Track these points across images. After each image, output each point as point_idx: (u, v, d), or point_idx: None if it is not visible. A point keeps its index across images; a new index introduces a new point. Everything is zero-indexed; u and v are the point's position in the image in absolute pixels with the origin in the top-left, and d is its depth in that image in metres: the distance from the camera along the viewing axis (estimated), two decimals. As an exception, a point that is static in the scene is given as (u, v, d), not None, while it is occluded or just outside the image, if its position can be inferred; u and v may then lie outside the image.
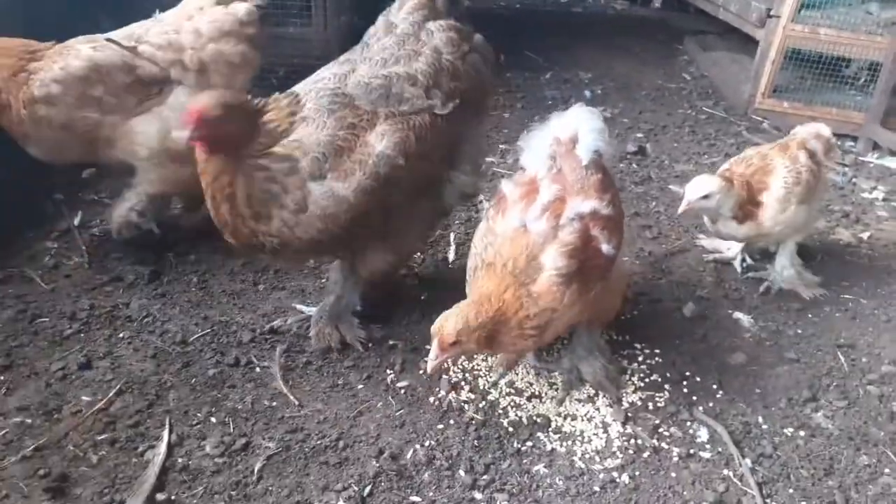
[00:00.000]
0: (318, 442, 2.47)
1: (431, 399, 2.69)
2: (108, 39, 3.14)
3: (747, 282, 3.53)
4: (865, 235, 4.11)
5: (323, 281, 3.29)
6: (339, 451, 2.45)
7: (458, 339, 2.25)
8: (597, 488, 2.38)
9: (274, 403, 2.62)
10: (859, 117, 5.69)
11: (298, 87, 2.67)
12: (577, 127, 2.63)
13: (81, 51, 3.04)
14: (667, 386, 2.85)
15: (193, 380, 2.70)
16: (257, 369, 2.78)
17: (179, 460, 2.38)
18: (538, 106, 5.61)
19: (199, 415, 2.55)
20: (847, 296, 3.50)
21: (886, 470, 2.50)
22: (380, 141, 2.54)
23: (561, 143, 2.61)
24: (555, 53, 6.87)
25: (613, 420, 2.65)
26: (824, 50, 5.79)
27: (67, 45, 3.09)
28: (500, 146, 4.96)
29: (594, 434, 2.59)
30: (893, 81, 5.51)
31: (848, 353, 3.08)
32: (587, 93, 6.10)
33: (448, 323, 2.26)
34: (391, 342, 2.96)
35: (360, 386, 2.74)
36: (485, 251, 2.42)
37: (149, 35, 3.19)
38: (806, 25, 5.73)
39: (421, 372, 2.80)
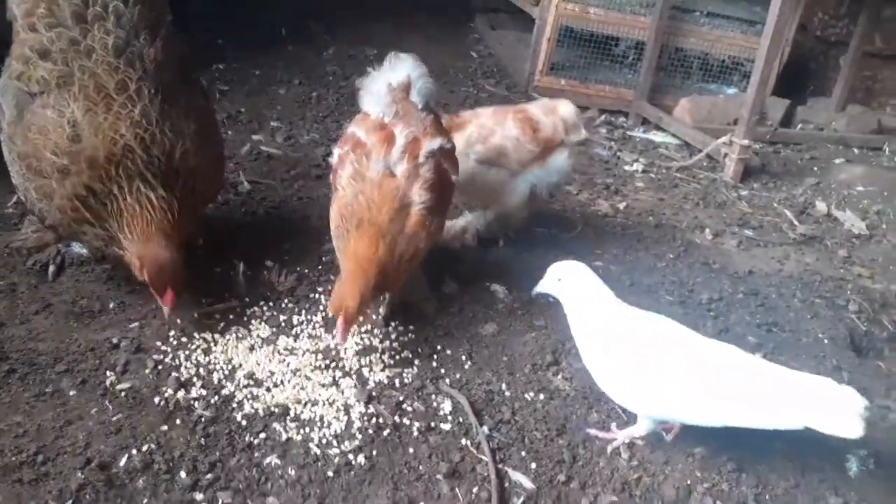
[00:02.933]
0: (13, 459, 2.16)
1: (156, 400, 2.45)
2: None
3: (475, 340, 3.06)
4: (622, 206, 4.35)
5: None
6: (36, 467, 2.15)
7: (361, 310, 2.56)
8: (331, 473, 2.27)
9: (-39, 420, 2.28)
10: (629, 94, 6.06)
11: None
12: (408, 73, 2.90)
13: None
14: (417, 361, 2.81)
15: None
16: (-56, 382, 2.40)
17: None
18: (318, 82, 5.45)
19: None
20: (598, 263, 3.66)
21: (613, 425, 2.61)
22: None
23: (395, 90, 2.86)
24: (343, 28, 6.70)
25: (357, 401, 2.56)
26: (595, 28, 6.11)
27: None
28: (272, 123, 4.74)
29: (335, 418, 2.49)
30: (656, 60, 5.92)
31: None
32: (370, 69, 6.00)
33: (348, 302, 2.52)
34: (114, 340, 2.68)
35: (73, 392, 2.44)
36: (355, 200, 2.65)
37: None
38: (577, 4, 6.01)
39: (147, 371, 2.56)
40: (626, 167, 4.95)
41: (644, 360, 2.34)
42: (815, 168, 5.41)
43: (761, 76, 4.74)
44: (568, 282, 2.54)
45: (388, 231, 2.63)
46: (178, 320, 2.76)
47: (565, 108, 3.55)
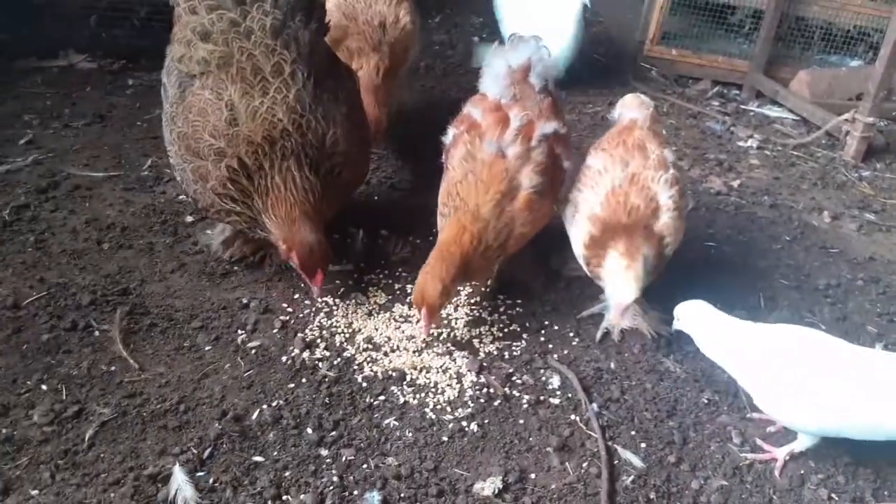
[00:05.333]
0: (158, 406, 2.38)
1: (284, 358, 2.62)
2: None
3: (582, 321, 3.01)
4: (736, 183, 4.22)
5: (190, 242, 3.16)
6: (179, 415, 2.36)
7: (443, 302, 2.59)
8: (445, 438, 2.38)
9: (112, 368, 2.50)
10: (744, 65, 5.81)
11: None
12: (529, 56, 2.92)
13: None
14: (525, 335, 2.87)
15: (24, 346, 2.54)
16: (96, 333, 2.64)
17: (3, 431, 2.24)
18: (425, 51, 5.47)
19: (28, 383, 2.41)
20: (711, 243, 3.59)
21: (724, 408, 2.60)
22: None
23: (514, 71, 2.88)
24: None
25: (468, 371, 2.65)
26: (710, -4, 5.86)
27: None
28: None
29: (448, 385, 2.59)
30: (775, 29, 5.64)
31: (704, 295, 3.15)
32: (475, 38, 6.01)
33: (429, 291, 2.54)
34: (244, 301, 2.86)
35: (208, 348, 2.64)
36: (465, 180, 2.67)
37: None
38: (693, -30, 5.76)
39: (275, 331, 2.73)
40: (740, 143, 4.78)
41: (811, 376, 2.25)
42: (947, 149, 5.06)
43: (893, 48, 4.43)
44: (693, 323, 2.52)
45: (483, 218, 2.62)
46: (323, 292, 2.88)
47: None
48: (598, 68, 5.73)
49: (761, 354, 2.33)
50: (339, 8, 3.71)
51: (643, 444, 2.44)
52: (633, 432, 2.48)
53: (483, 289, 3.05)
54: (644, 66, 5.85)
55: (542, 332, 2.90)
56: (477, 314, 2.95)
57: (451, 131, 2.91)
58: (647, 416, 2.55)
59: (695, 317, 2.52)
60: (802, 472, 2.38)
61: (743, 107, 5.43)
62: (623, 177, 2.73)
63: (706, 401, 2.63)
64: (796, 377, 2.25)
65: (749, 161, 4.54)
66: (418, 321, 2.73)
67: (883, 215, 4.07)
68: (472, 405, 2.51)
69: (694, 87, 5.68)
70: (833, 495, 2.31)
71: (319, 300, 2.89)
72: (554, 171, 2.78)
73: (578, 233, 2.76)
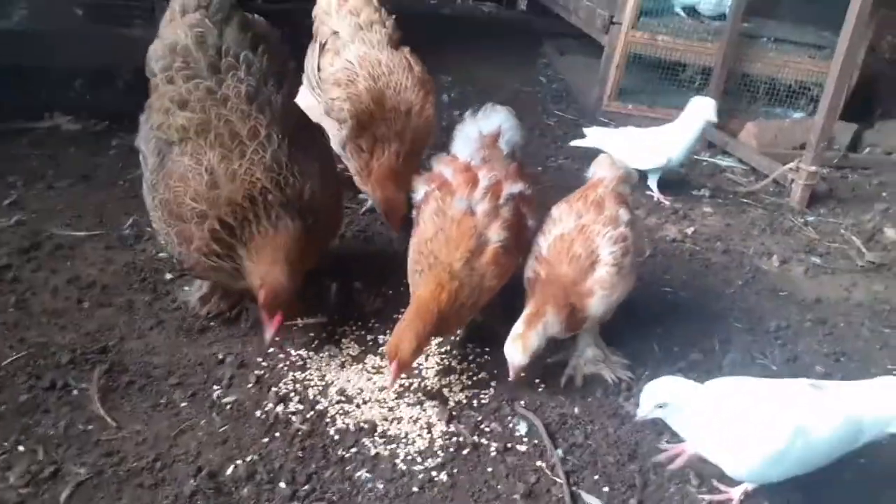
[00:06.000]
0: (134, 464, 2.42)
1: (258, 413, 2.69)
2: None
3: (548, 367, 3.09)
4: (690, 230, 4.44)
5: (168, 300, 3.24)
6: (155, 473, 2.41)
7: (415, 356, 2.73)
8: (416, 489, 2.46)
9: (90, 427, 2.55)
10: (696, 118, 6.11)
11: None
12: (499, 123, 3.15)
13: None
14: (493, 382, 2.98)
15: (2, 407, 2.58)
16: (74, 392, 2.68)
17: (-21, 495, 2.27)
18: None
19: (5, 444, 2.44)
20: (667, 288, 3.77)
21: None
22: None
23: (485, 137, 3.09)
24: (422, 54, 6.94)
25: (438, 420, 2.75)
26: (662, 55, 6.21)
27: None
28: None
29: (418, 435, 2.68)
30: (723, 85, 5.97)
31: (661, 339, 3.31)
32: (445, 97, 6.24)
33: (404, 346, 2.65)
34: (220, 356, 2.94)
35: (185, 404, 2.70)
36: (435, 237, 2.82)
37: None
38: (645, 32, 6.12)
39: (250, 386, 2.81)
40: (694, 191, 5.03)
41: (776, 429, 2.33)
42: (884, 193, 5.38)
43: (831, 102, 4.75)
44: (672, 405, 2.41)
45: (458, 276, 2.75)
46: (276, 338, 2.98)
47: None
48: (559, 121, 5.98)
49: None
50: (368, 92, 3.81)
51: (606, 488, 2.54)
52: (596, 476, 2.59)
53: (453, 338, 3.16)
54: (602, 120, 6.12)
55: (510, 378, 2.99)
56: (447, 363, 3.06)
57: (422, 188, 3.05)
58: (610, 459, 2.67)
59: (674, 401, 2.41)
60: (756, 509, 2.51)
61: (696, 157, 5.70)
62: (573, 227, 2.92)
63: (666, 443, 2.75)
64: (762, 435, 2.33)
65: (703, 209, 4.77)
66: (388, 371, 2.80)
67: (827, 258, 4.31)
68: (441, 455, 2.60)
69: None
70: (786, 532, 2.44)
71: (293, 352, 2.99)
72: (519, 228, 2.93)
73: (526, 270, 2.99)
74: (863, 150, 6.15)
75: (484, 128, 3.11)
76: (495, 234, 2.82)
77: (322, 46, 4.07)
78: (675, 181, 5.08)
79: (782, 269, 4.12)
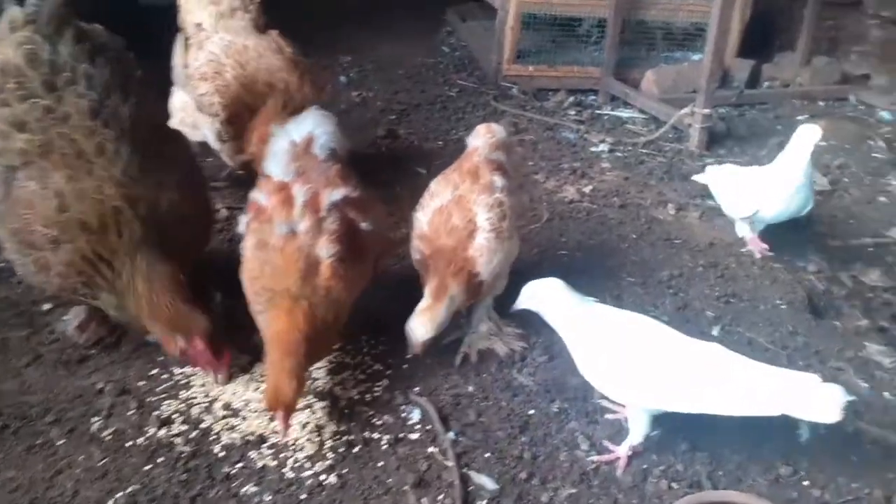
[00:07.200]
0: (7, 513, 2.35)
1: (140, 440, 2.61)
2: None
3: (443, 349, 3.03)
4: (588, 189, 4.43)
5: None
6: (29, 520, 2.33)
7: (299, 394, 2.52)
8: (304, 496, 2.42)
9: (-40, 482, 2.45)
10: (597, 72, 6.11)
11: None
12: (311, 129, 2.96)
13: None
14: (388, 372, 2.95)
15: None
16: (-57, 447, 2.58)
17: None
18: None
19: None
20: (563, 251, 3.77)
21: (573, 414, 2.74)
22: None
23: (297, 146, 2.89)
24: (319, 36, 6.75)
25: (328, 421, 2.71)
26: (556, 12, 6.16)
27: None
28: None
29: (307, 440, 2.63)
30: (619, 35, 5.96)
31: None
32: (343, 78, 6.12)
33: (284, 391, 2.45)
34: (99, 386, 2.84)
35: (62, 441, 2.61)
36: (262, 272, 2.61)
37: None
38: (536, -9, 6.04)
39: (130, 413, 2.72)
40: (593, 148, 5.02)
41: (635, 353, 2.45)
42: (780, 127, 5.45)
43: (716, 43, 4.78)
44: (544, 299, 2.62)
45: (302, 296, 2.56)
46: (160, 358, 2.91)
47: None
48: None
49: (601, 332, 2.51)
50: (237, 80, 3.71)
51: (497, 466, 2.54)
52: (487, 454, 2.58)
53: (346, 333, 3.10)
54: (505, 84, 6.07)
55: (405, 366, 2.98)
56: (339, 360, 3.02)
57: (243, 219, 2.85)
58: (501, 434, 2.66)
59: (545, 295, 2.62)
60: (645, 466, 2.54)
61: (598, 112, 5.71)
62: (450, 198, 2.89)
63: (556, 410, 2.77)
64: (623, 355, 2.45)
65: (601, 165, 4.78)
66: (276, 424, 2.63)
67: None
68: (331, 457, 2.57)
69: (553, 98, 5.93)
70: (673, 484, 2.47)
71: (177, 370, 2.91)
72: (352, 235, 2.73)
73: (412, 252, 2.96)
74: (762, 85, 6.22)
75: (295, 137, 2.93)
76: (325, 250, 2.63)
77: (186, 41, 3.94)
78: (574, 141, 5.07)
79: (678, 217, 4.15)
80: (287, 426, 2.52)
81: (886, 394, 2.89)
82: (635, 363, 2.43)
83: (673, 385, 2.39)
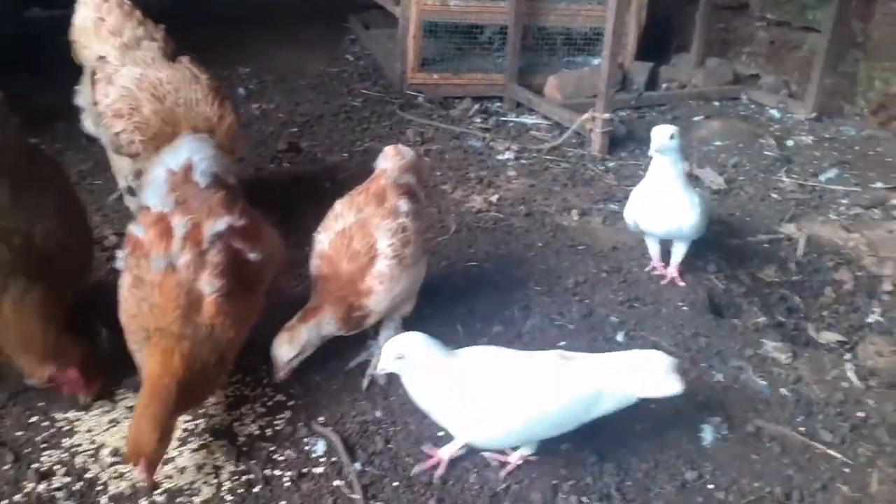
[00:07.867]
0: None
1: (17, 498, 2.40)
2: None
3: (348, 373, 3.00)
4: (495, 198, 4.42)
5: None
6: None
7: (164, 445, 2.33)
8: (202, 544, 2.28)
9: None
10: (501, 79, 6.13)
11: None
12: (188, 156, 2.80)
13: None
14: (290, 403, 2.82)
15: None
16: None
17: None
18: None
19: None
20: (472, 263, 3.73)
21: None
22: None
23: (176, 174, 2.73)
24: (216, 48, 6.51)
25: (226, 461, 2.56)
26: (458, 20, 6.15)
27: None
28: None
29: (204, 483, 2.48)
30: (520, 41, 6.00)
31: (464, 318, 3.27)
32: (241, 90, 5.92)
33: (143, 440, 2.26)
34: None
35: (-80, 514, 2.38)
36: (139, 310, 2.44)
37: None
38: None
39: (7, 467, 2.50)
40: (499, 156, 5.02)
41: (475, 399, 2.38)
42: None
43: (611, 48, 4.87)
44: (409, 358, 2.38)
45: (182, 335, 2.38)
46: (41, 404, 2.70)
47: None
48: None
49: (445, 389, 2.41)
50: (157, 114, 3.42)
51: (406, 494, 2.46)
52: (395, 483, 2.50)
53: (244, 363, 2.96)
54: (410, 93, 6.01)
55: (308, 395, 2.86)
56: (238, 392, 2.87)
57: (120, 254, 2.66)
58: (410, 461, 2.59)
59: (412, 354, 2.39)
60: (555, 482, 2.51)
61: (503, 119, 5.72)
62: (353, 221, 2.80)
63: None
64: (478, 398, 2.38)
65: (507, 173, 4.78)
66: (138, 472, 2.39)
67: (624, 203, 4.37)
68: (230, 499, 2.42)
69: (458, 106, 5.91)
70: (583, 499, 2.45)
71: (59, 416, 2.70)
72: (239, 267, 2.57)
73: (311, 267, 2.87)
74: (660, 87, 6.39)
75: (172, 164, 2.76)
76: (208, 286, 2.45)
77: (93, 75, 3.65)
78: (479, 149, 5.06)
79: (582, 222, 4.19)
80: (151, 479, 2.32)
81: (783, 390, 2.97)
82: (477, 403, 2.37)
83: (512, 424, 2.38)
